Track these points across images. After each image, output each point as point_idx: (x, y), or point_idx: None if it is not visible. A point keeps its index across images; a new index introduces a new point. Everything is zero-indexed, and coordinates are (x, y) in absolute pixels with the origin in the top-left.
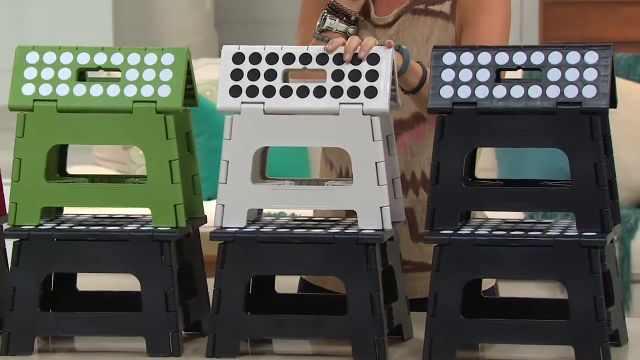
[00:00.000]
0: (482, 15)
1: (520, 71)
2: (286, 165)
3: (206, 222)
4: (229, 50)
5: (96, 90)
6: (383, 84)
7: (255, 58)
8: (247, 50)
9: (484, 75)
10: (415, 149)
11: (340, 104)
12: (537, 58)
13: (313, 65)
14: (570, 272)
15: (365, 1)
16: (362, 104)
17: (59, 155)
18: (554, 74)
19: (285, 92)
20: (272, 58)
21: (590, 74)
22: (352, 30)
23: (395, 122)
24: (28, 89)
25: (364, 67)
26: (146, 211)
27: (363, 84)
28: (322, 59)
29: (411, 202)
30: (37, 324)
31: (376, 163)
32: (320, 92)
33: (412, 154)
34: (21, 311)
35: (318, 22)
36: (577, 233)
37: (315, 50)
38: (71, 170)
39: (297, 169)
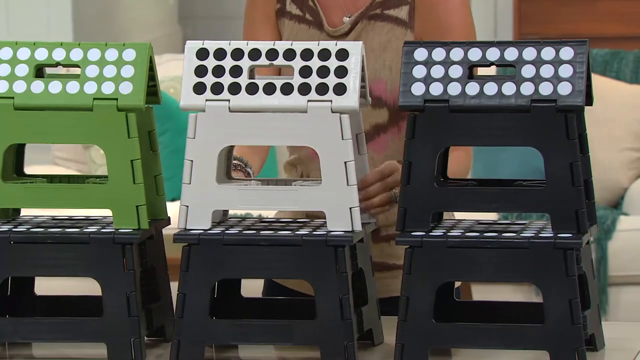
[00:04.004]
0: (446, 34)
1: (494, 67)
2: None
3: (170, 223)
4: (193, 45)
5: (55, 87)
6: (352, 81)
7: (219, 54)
8: (211, 45)
9: (456, 71)
10: (377, 160)
11: (308, 101)
12: (511, 54)
13: (280, 61)
14: (545, 274)
15: (315, 11)
16: (331, 101)
17: (16, 155)
18: (528, 71)
19: (251, 89)
20: (237, 54)
21: (566, 71)
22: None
23: None
24: None
25: (333, 63)
26: (107, 212)
27: (332, 80)
28: (289, 54)
29: None
30: None
31: (345, 162)
32: (287, 89)
33: (376, 165)
34: None
35: None
36: (552, 234)
37: (282, 45)
38: (29, 170)
39: (263, 169)
